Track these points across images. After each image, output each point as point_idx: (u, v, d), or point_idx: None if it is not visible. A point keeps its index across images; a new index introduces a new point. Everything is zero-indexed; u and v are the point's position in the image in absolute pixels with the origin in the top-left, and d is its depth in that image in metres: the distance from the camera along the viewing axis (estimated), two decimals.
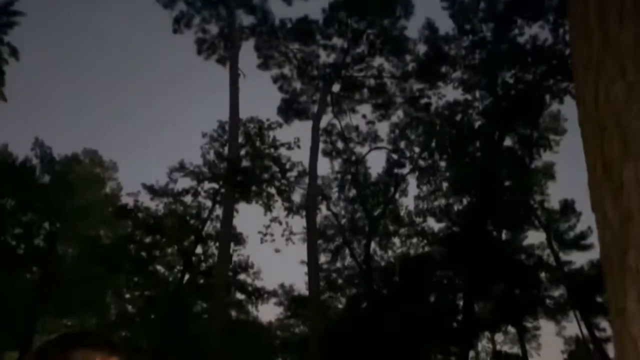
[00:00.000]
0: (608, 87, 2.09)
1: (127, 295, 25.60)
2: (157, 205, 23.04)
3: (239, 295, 28.90)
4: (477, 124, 22.58)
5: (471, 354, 28.74)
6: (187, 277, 23.57)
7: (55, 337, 1.22)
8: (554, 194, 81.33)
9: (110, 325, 21.69)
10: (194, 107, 70.01)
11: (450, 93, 54.48)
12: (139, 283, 23.52)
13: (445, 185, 25.24)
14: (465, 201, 24.84)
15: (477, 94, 22.19)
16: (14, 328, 21.64)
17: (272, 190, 22.20)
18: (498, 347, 31.33)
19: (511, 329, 28.85)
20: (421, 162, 25.02)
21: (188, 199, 22.76)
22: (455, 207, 25.45)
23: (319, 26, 23.74)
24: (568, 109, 23.88)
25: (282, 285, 32.40)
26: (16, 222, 23.27)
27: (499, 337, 31.23)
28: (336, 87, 25.66)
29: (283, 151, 22.37)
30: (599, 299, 23.78)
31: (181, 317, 22.31)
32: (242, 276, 26.35)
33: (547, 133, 23.44)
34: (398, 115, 25.48)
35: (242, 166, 21.02)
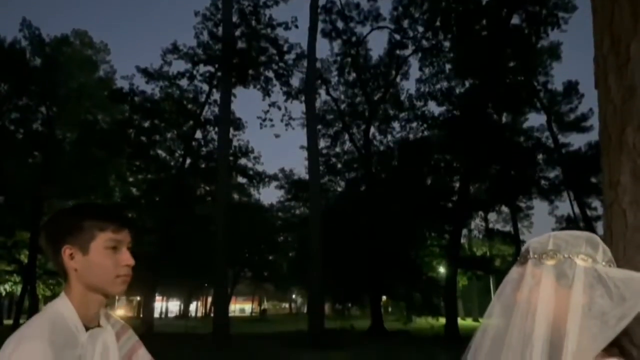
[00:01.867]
0: None
1: (131, 179, 26.16)
2: (153, 89, 22.77)
3: (241, 179, 29.64)
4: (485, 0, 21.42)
5: (464, 231, 30.10)
6: (188, 161, 23.93)
7: (70, 207, 1.22)
8: (558, 76, 79.75)
9: (115, 206, 22.39)
10: None
11: None
12: (141, 167, 23.92)
13: (448, 67, 24.60)
14: (467, 84, 24.42)
15: None
16: (23, 209, 22.40)
17: (270, 74, 21.68)
18: (491, 225, 32.71)
19: (504, 209, 29.91)
20: (424, 43, 24.09)
21: (184, 82, 22.39)
22: (457, 90, 25.09)
23: None
24: None
25: (282, 170, 33.21)
26: (12, 107, 23.05)
27: (492, 216, 32.48)
28: None
29: (280, 32, 21.54)
30: (593, 180, 24.33)
31: (185, 199, 23.01)
32: (242, 160, 26.81)
33: (556, 10, 22.27)
34: None
35: (238, 47, 20.30)
